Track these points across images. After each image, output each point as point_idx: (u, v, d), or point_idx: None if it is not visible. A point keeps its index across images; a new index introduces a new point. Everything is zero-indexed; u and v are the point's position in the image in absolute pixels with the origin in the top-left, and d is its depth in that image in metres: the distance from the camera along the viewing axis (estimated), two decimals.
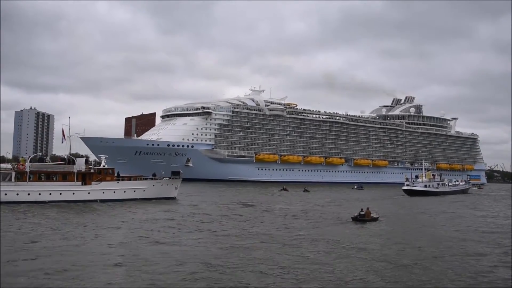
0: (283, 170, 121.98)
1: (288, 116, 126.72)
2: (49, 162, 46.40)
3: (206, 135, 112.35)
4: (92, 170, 41.12)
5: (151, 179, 45.98)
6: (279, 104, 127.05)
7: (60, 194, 38.50)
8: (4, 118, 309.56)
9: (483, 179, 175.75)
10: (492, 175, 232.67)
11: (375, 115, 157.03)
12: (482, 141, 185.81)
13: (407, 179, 73.47)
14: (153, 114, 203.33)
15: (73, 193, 39.16)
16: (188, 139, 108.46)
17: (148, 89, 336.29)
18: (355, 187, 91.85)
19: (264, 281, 15.08)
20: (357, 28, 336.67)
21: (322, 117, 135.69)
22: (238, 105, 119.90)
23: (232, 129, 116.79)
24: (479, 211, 46.34)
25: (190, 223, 29.11)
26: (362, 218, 31.68)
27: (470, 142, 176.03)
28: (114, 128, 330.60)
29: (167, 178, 47.36)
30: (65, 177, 39.62)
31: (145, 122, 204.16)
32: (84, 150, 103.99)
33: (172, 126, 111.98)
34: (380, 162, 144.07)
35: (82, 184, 39.96)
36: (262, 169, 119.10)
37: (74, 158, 42.24)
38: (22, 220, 28.06)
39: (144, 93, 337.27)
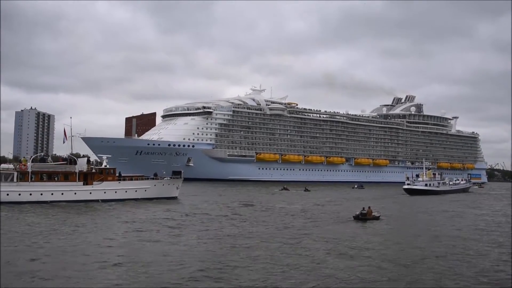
0: (283, 169, 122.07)
1: (288, 115, 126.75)
2: (51, 162, 46.48)
3: (206, 134, 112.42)
4: (93, 170, 41.24)
5: (153, 179, 46.10)
6: (279, 103, 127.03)
7: (62, 194, 38.59)
8: (4, 118, 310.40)
9: (484, 178, 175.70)
10: (493, 174, 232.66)
11: (375, 114, 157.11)
12: (483, 140, 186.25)
13: (407, 178, 73.47)
14: (153, 114, 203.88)
15: (75, 193, 39.26)
16: (189, 139, 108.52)
17: (148, 89, 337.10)
18: (355, 186, 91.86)
19: (265, 280, 15.11)
20: (357, 28, 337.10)
21: (323, 117, 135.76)
22: (238, 104, 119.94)
23: (232, 129, 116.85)
24: (479, 209, 46.43)
25: (191, 222, 29.18)
26: (364, 217, 31.78)
27: (471, 141, 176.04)
28: (114, 128, 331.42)
29: (169, 178, 47.47)
30: (67, 177, 39.72)
31: (145, 122, 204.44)
32: (84, 150, 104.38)
33: (172, 126, 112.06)
34: (380, 161, 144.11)
35: (83, 184, 40.04)
36: (263, 169, 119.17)
37: (75, 158, 42.36)
38: (23, 220, 28.13)
39: (144, 92, 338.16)
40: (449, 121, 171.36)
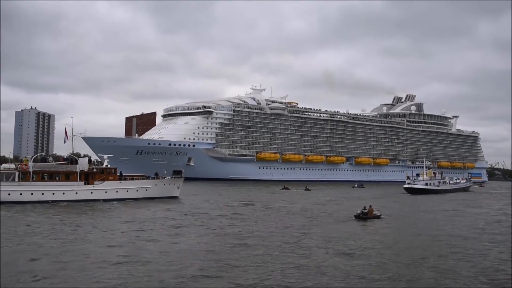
0: (284, 169, 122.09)
1: (289, 115, 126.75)
2: (52, 162, 46.59)
3: (207, 134, 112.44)
4: (94, 170, 41.32)
5: (154, 178, 46.17)
6: (280, 103, 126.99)
7: (63, 193, 38.68)
8: (5, 118, 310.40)
9: (484, 177, 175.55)
10: (493, 173, 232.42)
11: (376, 113, 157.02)
12: (483, 139, 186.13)
13: (408, 177, 73.50)
14: (154, 114, 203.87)
15: (76, 193, 39.35)
16: (189, 138, 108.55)
17: (148, 89, 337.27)
18: (356, 185, 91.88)
19: (265, 279, 15.15)
20: (357, 27, 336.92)
21: (323, 116, 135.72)
22: (239, 104, 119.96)
23: (233, 128, 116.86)
24: (480, 209, 46.49)
25: (191, 222, 29.25)
26: (365, 216, 31.85)
27: (471, 140, 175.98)
28: (115, 127, 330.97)
29: (169, 178, 47.55)
30: (68, 177, 39.81)
31: (145, 121, 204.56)
32: (85, 150, 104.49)
33: (173, 126, 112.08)
34: (381, 160, 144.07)
35: (85, 184, 40.15)
36: (263, 168, 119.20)
37: (76, 158, 42.44)
38: (23, 220, 28.18)
39: (144, 92, 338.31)
40: (449, 120, 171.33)
